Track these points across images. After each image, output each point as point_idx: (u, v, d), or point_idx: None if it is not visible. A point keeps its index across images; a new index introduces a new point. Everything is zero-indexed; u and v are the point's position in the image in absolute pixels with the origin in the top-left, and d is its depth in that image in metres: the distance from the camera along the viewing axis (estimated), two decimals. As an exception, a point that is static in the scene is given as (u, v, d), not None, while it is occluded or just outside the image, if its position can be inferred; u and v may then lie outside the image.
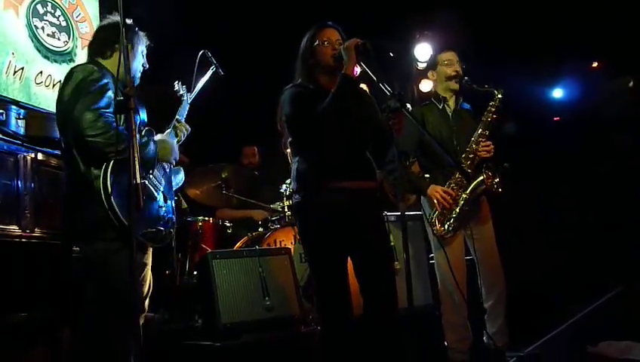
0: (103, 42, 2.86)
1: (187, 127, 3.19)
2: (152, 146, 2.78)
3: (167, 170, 3.01)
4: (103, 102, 2.60)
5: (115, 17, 2.91)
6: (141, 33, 3.01)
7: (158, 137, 2.90)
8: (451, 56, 3.85)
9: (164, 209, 2.88)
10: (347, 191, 2.89)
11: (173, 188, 3.07)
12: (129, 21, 2.92)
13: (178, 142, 3.13)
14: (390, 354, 2.84)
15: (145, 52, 3.02)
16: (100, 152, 2.54)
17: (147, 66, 3.04)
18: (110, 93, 2.64)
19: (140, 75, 3.01)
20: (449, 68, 3.81)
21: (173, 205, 2.99)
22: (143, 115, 2.93)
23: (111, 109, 2.61)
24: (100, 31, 2.98)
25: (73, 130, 2.59)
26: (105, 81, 2.65)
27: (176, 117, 3.20)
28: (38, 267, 3.15)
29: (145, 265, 2.78)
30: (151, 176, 2.83)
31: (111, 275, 2.56)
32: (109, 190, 2.52)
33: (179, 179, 3.12)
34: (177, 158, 3.02)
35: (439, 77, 3.87)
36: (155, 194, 2.84)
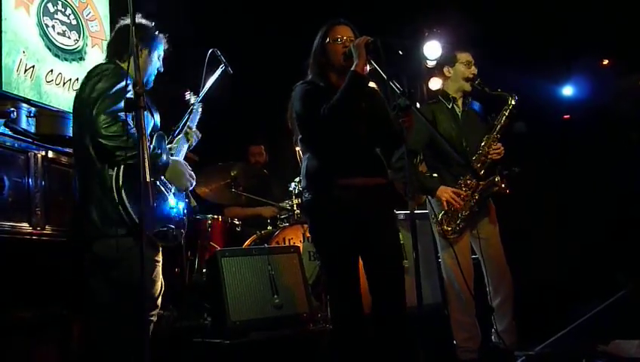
0: (121, 44, 2.87)
1: (198, 133, 3.27)
2: (164, 158, 2.81)
3: None
4: (121, 105, 2.60)
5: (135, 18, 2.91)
6: (160, 36, 3.04)
7: (173, 158, 2.92)
8: (470, 58, 3.84)
9: (174, 210, 2.91)
10: (357, 189, 2.89)
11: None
12: (146, 22, 2.98)
13: (189, 147, 3.20)
14: (399, 353, 2.84)
15: (162, 56, 3.05)
16: (110, 154, 2.59)
17: (162, 70, 3.07)
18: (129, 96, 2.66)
19: (153, 78, 3.04)
20: (467, 69, 3.80)
21: (184, 207, 3.02)
22: (157, 119, 2.96)
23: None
24: (118, 32, 2.99)
25: (89, 129, 2.64)
26: (124, 83, 2.67)
27: (188, 124, 3.25)
28: (49, 264, 3.16)
29: (156, 262, 2.80)
30: (163, 178, 2.86)
31: (122, 272, 2.58)
32: (122, 188, 2.58)
33: (182, 182, 3.05)
34: (188, 186, 2.99)
35: (455, 75, 3.84)
36: (167, 194, 2.87)
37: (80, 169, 2.77)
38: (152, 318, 2.83)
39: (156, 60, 3.01)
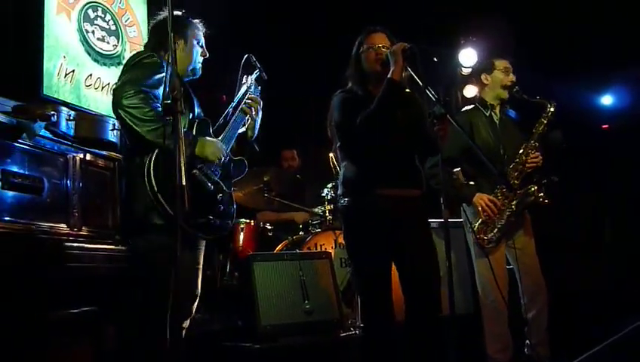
0: (157, 45, 2.88)
1: (259, 100, 3.14)
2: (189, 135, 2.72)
3: (226, 160, 2.90)
4: (150, 81, 2.63)
5: (165, 13, 2.88)
6: (195, 22, 2.99)
7: (206, 139, 2.76)
8: (508, 65, 3.78)
9: (218, 199, 2.79)
10: (392, 199, 2.89)
11: (234, 179, 2.99)
12: (179, 13, 2.91)
13: (253, 119, 3.07)
14: (431, 360, 2.82)
15: (202, 40, 3.00)
16: (130, 127, 2.55)
17: (207, 55, 3.02)
18: (161, 76, 2.67)
19: (200, 65, 3.00)
20: (506, 76, 3.74)
21: (232, 196, 2.93)
22: (197, 109, 2.93)
23: (158, 91, 2.65)
24: (152, 33, 3.01)
25: (112, 101, 2.61)
26: (161, 65, 2.68)
27: (249, 95, 3.14)
28: (85, 264, 3.21)
29: (197, 264, 2.80)
30: (202, 165, 2.73)
31: (155, 270, 2.58)
32: (153, 180, 2.54)
33: (240, 170, 3.05)
34: (221, 157, 2.79)
35: (493, 82, 3.79)
36: (208, 184, 2.74)
37: (125, 164, 2.83)
38: (182, 325, 2.80)
39: (196, 46, 2.95)
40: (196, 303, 2.85)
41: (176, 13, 2.87)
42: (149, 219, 2.59)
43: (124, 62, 4.29)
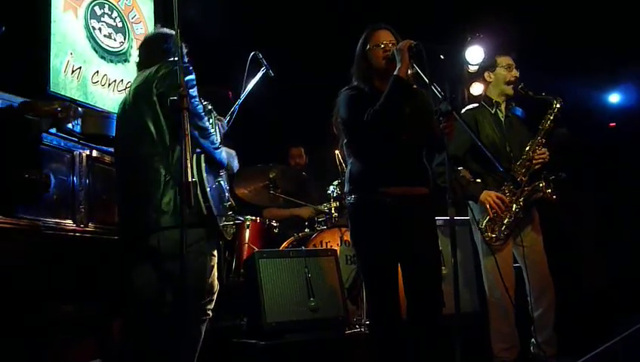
0: (153, 58, 2.86)
1: (223, 119, 3.32)
2: (223, 153, 2.90)
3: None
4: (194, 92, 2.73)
5: (159, 29, 3.01)
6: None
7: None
8: (510, 61, 3.78)
9: (228, 204, 3.00)
10: (399, 196, 2.88)
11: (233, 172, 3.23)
12: (169, 30, 2.92)
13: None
14: (434, 356, 2.82)
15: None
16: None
17: None
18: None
19: None
20: (509, 72, 3.74)
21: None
22: None
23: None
24: (145, 47, 2.98)
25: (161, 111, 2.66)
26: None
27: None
28: (91, 260, 3.23)
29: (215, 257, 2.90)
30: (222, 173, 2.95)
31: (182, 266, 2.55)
32: (205, 179, 2.67)
33: (235, 164, 3.16)
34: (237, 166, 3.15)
35: (496, 80, 3.79)
36: (225, 192, 2.98)
37: (141, 161, 2.67)
38: (209, 311, 2.92)
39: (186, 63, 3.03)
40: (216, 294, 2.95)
41: (170, 31, 2.89)
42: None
43: (130, 59, 4.34)
